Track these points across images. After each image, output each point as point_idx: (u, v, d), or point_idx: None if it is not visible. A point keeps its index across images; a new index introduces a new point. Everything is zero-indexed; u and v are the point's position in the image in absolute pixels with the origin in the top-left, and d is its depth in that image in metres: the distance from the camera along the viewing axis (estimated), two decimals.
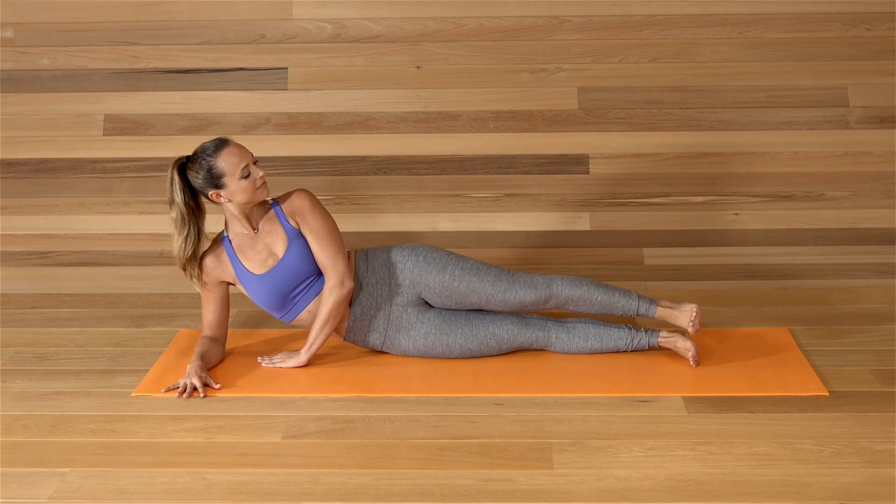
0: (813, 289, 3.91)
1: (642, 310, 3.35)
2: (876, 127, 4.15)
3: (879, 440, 2.81)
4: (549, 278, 3.35)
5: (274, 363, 3.35)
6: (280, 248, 3.30)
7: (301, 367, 3.32)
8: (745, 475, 2.66)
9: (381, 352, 3.41)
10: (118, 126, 4.25)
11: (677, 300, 3.46)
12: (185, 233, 3.23)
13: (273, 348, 3.48)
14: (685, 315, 3.32)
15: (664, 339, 3.31)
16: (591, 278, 3.91)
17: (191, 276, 3.30)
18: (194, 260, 3.28)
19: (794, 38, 4.18)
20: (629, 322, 3.57)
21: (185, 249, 3.24)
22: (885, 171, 4.13)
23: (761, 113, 4.17)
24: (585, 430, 2.89)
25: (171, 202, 3.22)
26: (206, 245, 3.32)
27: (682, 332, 3.38)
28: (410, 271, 3.32)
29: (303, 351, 3.33)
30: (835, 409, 2.99)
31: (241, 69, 4.25)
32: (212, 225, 3.49)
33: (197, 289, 3.35)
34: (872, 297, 3.83)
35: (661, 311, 3.34)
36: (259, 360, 3.38)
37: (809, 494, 2.57)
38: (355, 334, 3.37)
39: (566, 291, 3.33)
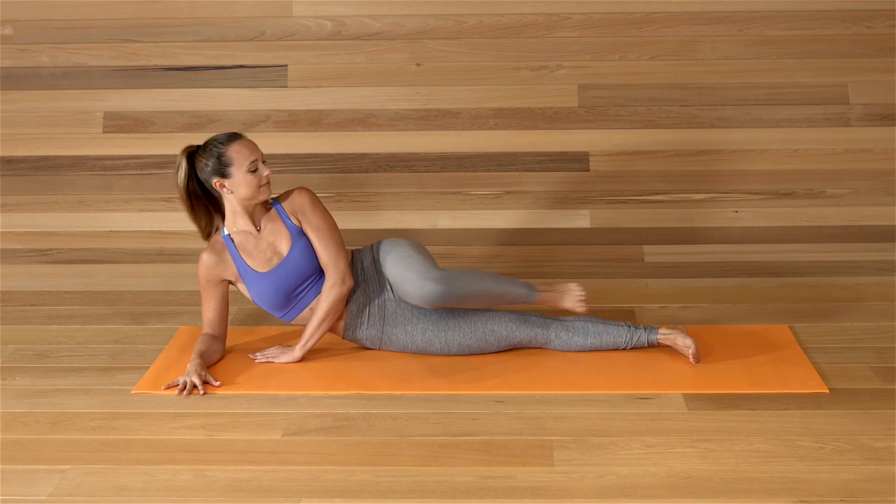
0: (813, 286, 3.91)
1: (525, 296, 3.34)
2: (876, 124, 4.15)
3: (880, 437, 2.81)
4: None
5: (267, 357, 3.36)
6: (284, 246, 3.30)
7: (294, 362, 3.33)
8: (746, 472, 2.66)
9: (380, 349, 3.41)
10: (118, 123, 4.25)
11: (556, 282, 3.42)
12: (195, 213, 3.31)
13: (272, 346, 3.48)
14: (569, 295, 3.33)
15: (664, 336, 3.31)
16: (592, 277, 3.93)
17: (215, 229, 3.38)
18: (211, 225, 3.37)
19: (795, 36, 4.17)
20: (628, 319, 3.57)
21: (199, 225, 3.34)
22: (885, 168, 4.13)
23: (761, 110, 4.17)
24: (586, 428, 2.89)
25: (176, 187, 3.28)
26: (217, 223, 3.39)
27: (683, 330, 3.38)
28: (384, 266, 3.35)
29: (297, 347, 3.34)
30: (835, 406, 2.99)
31: (241, 66, 4.24)
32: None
33: (198, 287, 3.36)
34: (873, 295, 3.83)
35: (543, 295, 3.34)
36: (251, 356, 3.38)
37: (810, 491, 2.57)
38: (353, 331, 3.37)
39: (465, 287, 3.27)
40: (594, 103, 4.20)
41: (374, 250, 3.40)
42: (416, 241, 3.45)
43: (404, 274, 3.25)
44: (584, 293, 3.32)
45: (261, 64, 4.24)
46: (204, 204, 3.33)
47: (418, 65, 4.23)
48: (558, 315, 3.46)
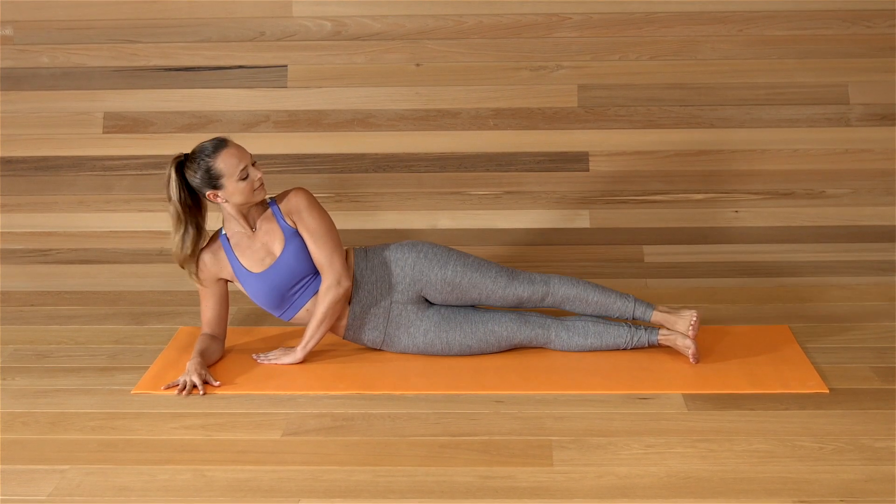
0: (813, 286, 3.91)
1: (638, 313, 3.34)
2: (876, 124, 4.15)
3: (880, 437, 2.81)
4: (546, 276, 3.35)
5: (269, 360, 3.35)
6: (277, 247, 3.29)
7: (296, 364, 3.33)
8: (746, 472, 2.66)
9: (381, 349, 3.41)
10: (118, 124, 4.25)
11: (676, 306, 3.41)
12: (181, 230, 3.23)
13: (272, 346, 3.48)
14: (684, 321, 3.30)
15: (664, 336, 3.31)
16: (591, 277, 3.93)
17: (190, 273, 3.31)
18: (193, 257, 3.28)
19: (794, 36, 4.17)
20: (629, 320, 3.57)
21: (182, 247, 3.25)
22: (885, 168, 4.13)
23: (761, 110, 4.17)
24: (585, 428, 2.89)
25: (169, 199, 3.22)
26: (206, 242, 3.33)
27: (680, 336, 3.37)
28: (411, 268, 3.32)
29: (298, 348, 3.33)
30: (835, 406, 2.98)
31: (240, 67, 4.24)
32: (212, 222, 3.49)
33: (197, 286, 3.35)
34: (873, 295, 3.83)
35: (658, 316, 3.33)
36: (254, 357, 3.38)
37: (810, 492, 2.57)
38: (354, 332, 3.37)
39: (563, 290, 3.32)
40: (594, 103, 4.20)
41: (387, 251, 3.36)
42: (431, 242, 3.45)
43: (498, 280, 3.32)
44: (697, 320, 3.29)
45: (260, 64, 4.24)
46: (193, 217, 3.24)
47: (418, 65, 4.23)
48: (560, 313, 3.46)
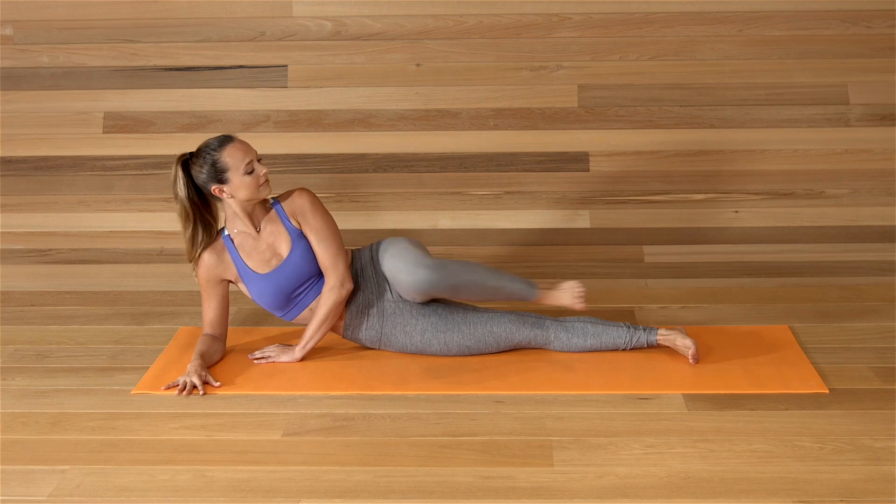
0: (813, 286, 3.91)
1: (525, 293, 3.33)
2: (876, 124, 4.15)
3: (880, 437, 2.81)
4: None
5: (265, 356, 3.35)
6: (284, 248, 3.30)
7: (295, 363, 3.33)
8: (746, 472, 2.66)
9: (379, 349, 3.41)
10: (118, 123, 4.25)
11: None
12: (189, 228, 3.26)
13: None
14: (566, 293, 3.31)
15: (663, 336, 3.31)
16: (592, 277, 3.93)
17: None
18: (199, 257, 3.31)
19: (794, 36, 4.17)
20: (627, 320, 3.57)
21: (193, 245, 3.28)
22: (885, 168, 4.13)
23: (761, 110, 4.17)
24: (586, 428, 2.89)
25: (175, 197, 3.23)
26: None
27: (682, 331, 3.38)
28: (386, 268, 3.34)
29: (297, 348, 3.34)
30: (835, 406, 2.99)
31: (241, 67, 4.24)
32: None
33: (199, 286, 3.36)
34: (873, 295, 3.83)
35: (539, 293, 3.32)
36: (250, 356, 3.37)
37: (810, 492, 2.57)
38: (353, 331, 3.37)
39: (458, 277, 3.27)
40: (594, 103, 4.20)
41: (372, 250, 3.40)
42: (415, 239, 3.45)
43: (397, 264, 3.25)
44: (583, 290, 3.31)
45: (261, 64, 4.24)
46: (201, 214, 3.27)
47: (418, 65, 4.23)
48: (559, 314, 3.47)
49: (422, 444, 2.84)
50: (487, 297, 3.31)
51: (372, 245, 3.42)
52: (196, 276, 3.33)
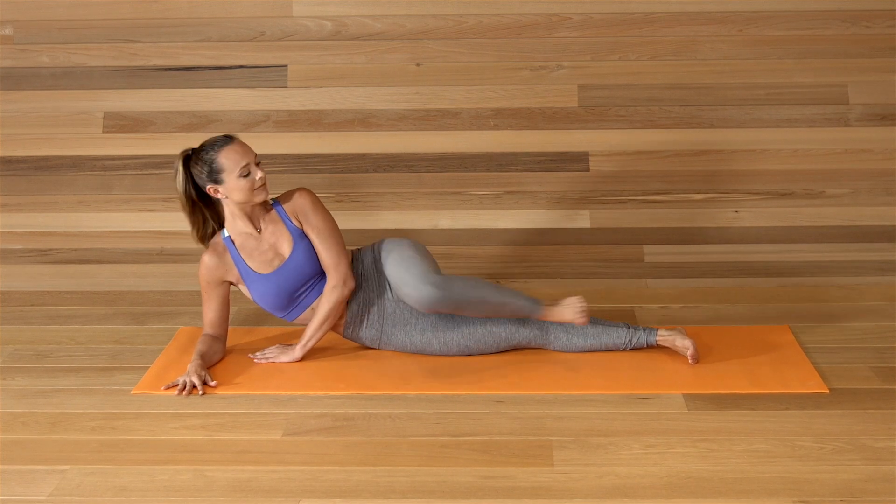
0: (813, 286, 3.91)
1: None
2: (876, 124, 4.15)
3: (879, 437, 2.81)
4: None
5: (267, 357, 3.36)
6: (286, 248, 3.30)
7: (295, 362, 3.33)
8: (746, 472, 2.66)
9: (379, 348, 3.41)
10: (118, 123, 4.25)
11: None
12: (194, 216, 3.31)
13: (273, 346, 3.48)
14: (569, 308, 3.29)
15: (662, 337, 3.31)
16: (591, 277, 3.93)
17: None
18: (208, 238, 3.36)
19: (794, 36, 4.17)
20: (627, 320, 3.57)
21: (198, 234, 3.34)
22: (885, 168, 4.13)
23: (761, 110, 4.17)
24: (586, 428, 2.89)
25: (178, 191, 3.26)
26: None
27: (682, 331, 3.38)
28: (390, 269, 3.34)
29: (297, 347, 3.34)
30: (835, 406, 2.99)
31: (241, 66, 4.24)
32: None
33: (199, 287, 3.36)
34: (872, 295, 3.83)
35: (545, 310, 3.31)
36: (251, 356, 3.38)
37: (810, 492, 2.57)
38: (353, 330, 3.37)
39: (463, 293, 3.25)
40: (594, 103, 4.20)
41: (375, 250, 3.40)
42: (417, 241, 3.45)
43: (403, 276, 3.24)
44: (584, 305, 3.29)
45: (261, 64, 4.24)
46: (202, 208, 3.32)
47: (418, 65, 4.23)
48: None
49: (422, 443, 2.84)
50: (492, 314, 3.30)
51: (374, 245, 3.42)
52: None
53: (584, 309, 3.28)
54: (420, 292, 3.19)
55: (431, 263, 3.32)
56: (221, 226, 3.35)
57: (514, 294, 3.29)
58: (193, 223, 3.33)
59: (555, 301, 3.33)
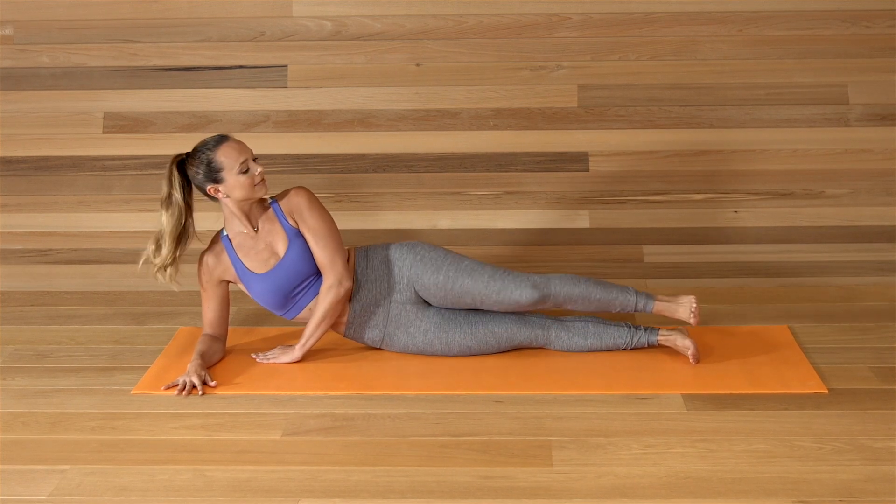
0: (812, 286, 3.91)
1: (640, 305, 3.34)
2: (876, 124, 4.15)
3: (879, 437, 2.81)
4: (546, 278, 3.33)
5: (268, 359, 3.36)
6: (281, 247, 3.30)
7: (294, 362, 3.33)
8: (745, 472, 2.66)
9: (380, 349, 3.41)
10: (118, 123, 4.25)
11: (675, 294, 3.43)
12: (178, 232, 3.22)
13: (273, 346, 3.48)
14: (684, 307, 3.32)
15: (664, 337, 3.31)
16: (591, 276, 3.93)
17: (168, 278, 3.24)
18: (177, 263, 3.24)
19: (794, 36, 4.17)
20: (629, 320, 3.57)
21: (175, 250, 3.22)
22: (884, 168, 4.13)
23: (761, 110, 4.17)
24: (585, 428, 2.89)
25: (169, 198, 3.21)
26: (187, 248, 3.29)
27: (683, 325, 3.37)
28: (408, 269, 3.32)
29: (297, 347, 3.34)
30: (834, 406, 2.99)
31: (240, 67, 4.24)
32: (212, 223, 3.50)
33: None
34: (872, 295, 3.83)
35: (659, 306, 3.34)
36: (253, 357, 3.38)
37: (809, 492, 2.57)
38: (355, 330, 3.37)
39: (564, 290, 3.31)
40: (594, 103, 4.20)
41: (388, 251, 3.37)
42: (428, 243, 3.43)
43: (489, 284, 3.26)
44: (697, 306, 3.32)
45: (261, 64, 4.24)
46: (189, 225, 3.24)
47: (418, 65, 4.23)
48: (560, 314, 3.46)
49: (421, 443, 2.84)
50: (598, 310, 3.35)
51: (389, 245, 3.39)
52: (169, 280, 3.26)
53: (698, 309, 3.31)
54: (523, 296, 3.24)
55: (477, 261, 3.35)
56: (185, 248, 3.27)
57: (619, 289, 3.34)
58: (175, 242, 3.21)
59: (669, 297, 3.35)
